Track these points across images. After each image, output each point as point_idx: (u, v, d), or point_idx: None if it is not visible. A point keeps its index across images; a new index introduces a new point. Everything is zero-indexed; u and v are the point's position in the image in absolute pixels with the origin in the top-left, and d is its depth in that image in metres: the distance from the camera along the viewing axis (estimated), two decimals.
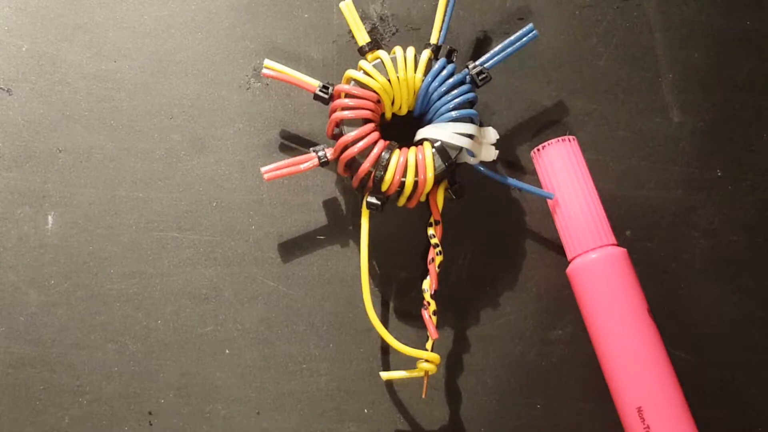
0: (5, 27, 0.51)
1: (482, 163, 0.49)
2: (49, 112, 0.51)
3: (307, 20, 0.52)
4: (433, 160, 0.48)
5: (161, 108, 0.51)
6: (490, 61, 0.50)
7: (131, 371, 0.50)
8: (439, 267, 0.49)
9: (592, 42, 0.53)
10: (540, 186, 0.51)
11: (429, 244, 0.50)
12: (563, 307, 0.51)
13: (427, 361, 0.49)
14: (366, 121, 0.49)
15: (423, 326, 0.50)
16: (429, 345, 0.49)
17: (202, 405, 0.50)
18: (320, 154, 0.49)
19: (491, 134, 0.49)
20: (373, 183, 0.48)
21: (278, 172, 0.49)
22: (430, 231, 0.50)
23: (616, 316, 0.48)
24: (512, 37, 0.50)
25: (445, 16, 0.50)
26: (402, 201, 0.49)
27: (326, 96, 0.49)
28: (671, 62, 0.53)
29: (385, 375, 0.49)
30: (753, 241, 0.52)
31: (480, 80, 0.49)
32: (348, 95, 0.49)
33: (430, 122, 0.50)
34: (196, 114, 0.51)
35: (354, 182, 0.49)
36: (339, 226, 0.51)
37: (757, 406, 0.51)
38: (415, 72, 0.49)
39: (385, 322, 0.50)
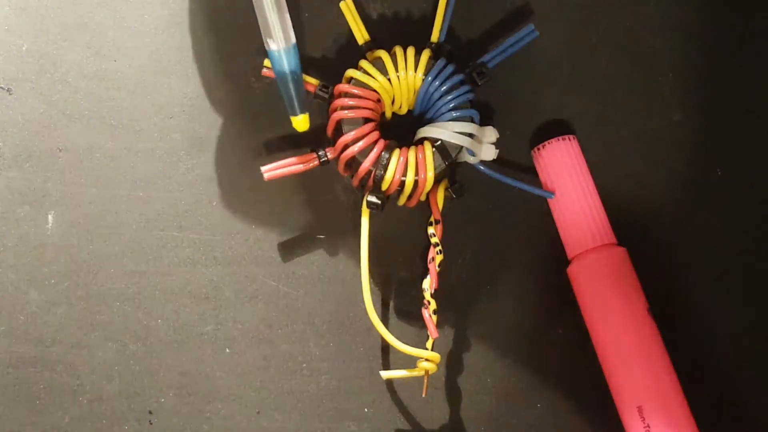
0: (5, 27, 0.51)
1: (482, 162, 0.49)
2: (49, 111, 0.51)
3: (307, 20, 0.52)
4: (434, 159, 0.48)
5: (161, 108, 0.51)
6: (490, 61, 0.50)
7: (131, 371, 0.50)
8: (439, 266, 0.49)
9: (592, 42, 0.53)
10: (540, 186, 0.51)
11: (429, 243, 0.50)
12: (563, 307, 0.51)
13: (427, 360, 0.49)
14: (366, 120, 0.49)
15: (423, 325, 0.50)
16: (429, 344, 0.49)
17: (202, 404, 0.50)
18: (320, 153, 0.49)
19: (491, 133, 0.49)
20: (373, 182, 0.48)
21: (278, 172, 0.49)
22: (430, 230, 0.50)
23: (616, 316, 0.48)
24: (512, 37, 0.50)
25: (445, 16, 0.50)
26: (402, 200, 0.49)
27: (326, 95, 0.49)
28: (671, 62, 0.53)
29: (385, 374, 0.49)
30: (753, 241, 0.52)
31: (480, 79, 0.49)
32: (348, 94, 0.49)
33: (430, 121, 0.50)
34: (196, 114, 0.51)
35: (354, 181, 0.49)
36: (339, 226, 0.51)
37: (757, 407, 0.51)
38: (415, 71, 0.49)
39: (385, 321, 0.50)
